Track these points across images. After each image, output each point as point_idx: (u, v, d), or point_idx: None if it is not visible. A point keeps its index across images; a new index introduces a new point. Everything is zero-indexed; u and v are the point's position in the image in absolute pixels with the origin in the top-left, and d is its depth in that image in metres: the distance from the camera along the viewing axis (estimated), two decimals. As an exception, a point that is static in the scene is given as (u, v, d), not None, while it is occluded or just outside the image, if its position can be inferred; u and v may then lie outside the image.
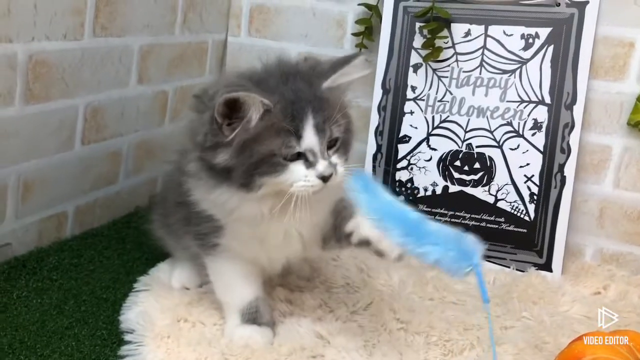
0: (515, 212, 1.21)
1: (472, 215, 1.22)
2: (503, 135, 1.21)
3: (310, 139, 0.78)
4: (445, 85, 1.24)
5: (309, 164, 0.78)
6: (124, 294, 1.01)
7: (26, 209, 1.08)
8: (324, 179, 0.78)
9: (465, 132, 1.23)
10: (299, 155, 0.78)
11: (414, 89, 1.26)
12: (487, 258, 1.20)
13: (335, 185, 0.80)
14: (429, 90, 1.25)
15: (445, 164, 1.24)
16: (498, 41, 1.21)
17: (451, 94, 1.24)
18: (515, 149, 1.21)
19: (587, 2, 1.17)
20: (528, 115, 1.20)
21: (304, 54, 1.42)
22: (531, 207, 1.20)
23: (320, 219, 0.86)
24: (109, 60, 1.17)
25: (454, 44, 1.23)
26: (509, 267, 1.19)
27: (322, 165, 0.78)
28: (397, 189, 1.26)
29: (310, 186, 0.78)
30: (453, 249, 0.72)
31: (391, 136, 1.27)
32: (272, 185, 0.79)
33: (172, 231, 1.01)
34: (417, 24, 1.25)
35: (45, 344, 0.86)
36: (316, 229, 0.88)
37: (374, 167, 1.27)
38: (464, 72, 1.23)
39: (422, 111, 1.25)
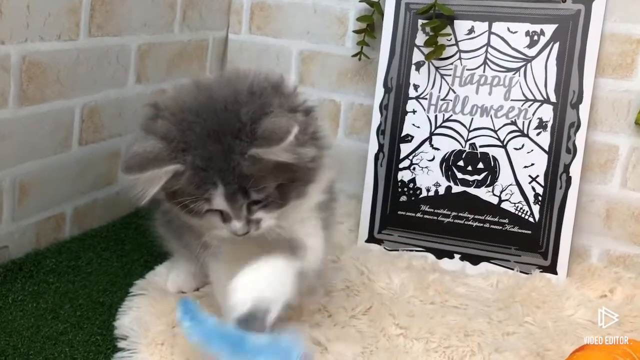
0: (520, 213, 1.18)
1: (476, 216, 1.20)
2: (507, 134, 1.19)
3: (220, 204, 0.75)
4: (448, 83, 1.22)
5: (225, 219, 0.77)
6: (120, 298, 0.99)
7: (23, 211, 1.07)
8: (239, 236, 0.77)
9: (469, 131, 1.21)
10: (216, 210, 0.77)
11: (416, 87, 1.23)
12: (491, 260, 1.19)
13: (267, 229, 0.78)
14: (431, 88, 1.23)
15: (448, 164, 1.22)
16: (502, 38, 1.19)
17: (454, 92, 1.21)
18: (520, 148, 1.18)
19: (594, -2, 1.14)
20: (533, 115, 1.17)
21: (305, 51, 1.40)
22: (536, 208, 1.17)
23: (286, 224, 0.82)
24: (106, 60, 1.15)
25: (457, 42, 1.21)
26: (512, 269, 1.17)
27: (235, 225, 0.77)
28: (400, 190, 1.24)
29: (227, 236, 0.78)
30: (275, 354, 0.73)
31: (393, 135, 1.24)
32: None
33: (173, 229, 1.00)
34: (420, 21, 1.22)
35: (39, 350, 0.85)
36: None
37: (375, 166, 1.25)
38: (467, 70, 1.21)
39: (424, 110, 1.23)
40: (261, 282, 0.78)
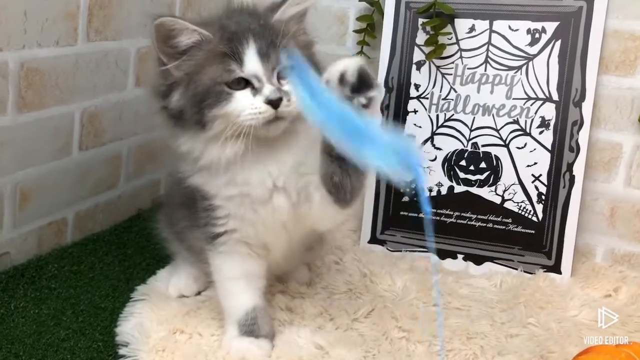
0: (523, 213, 1.17)
1: (479, 216, 1.19)
2: (509, 133, 1.18)
3: (252, 63, 0.77)
4: (449, 82, 1.21)
5: (256, 92, 0.77)
6: (122, 303, 0.99)
7: (24, 217, 1.07)
8: (272, 103, 0.76)
9: (471, 130, 1.20)
10: (246, 85, 0.77)
11: (417, 87, 1.23)
12: (495, 260, 1.18)
13: (294, 119, 0.78)
14: (432, 88, 1.22)
15: (451, 164, 1.21)
16: (503, 36, 1.17)
17: (456, 91, 1.20)
18: (522, 147, 1.17)
19: (596, -5, 1.13)
20: (535, 113, 1.16)
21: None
22: (539, 207, 1.16)
23: (292, 167, 0.81)
24: (105, 65, 1.15)
25: (457, 40, 1.20)
26: (516, 269, 1.16)
27: (267, 89, 0.76)
28: (402, 190, 1.23)
29: (258, 113, 0.76)
30: (393, 156, 0.64)
31: (394, 136, 1.23)
32: (224, 119, 0.77)
33: (177, 231, 1.01)
34: (420, 20, 1.21)
35: (40, 357, 0.86)
36: (295, 181, 0.82)
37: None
38: (468, 69, 1.20)
39: (426, 110, 1.22)
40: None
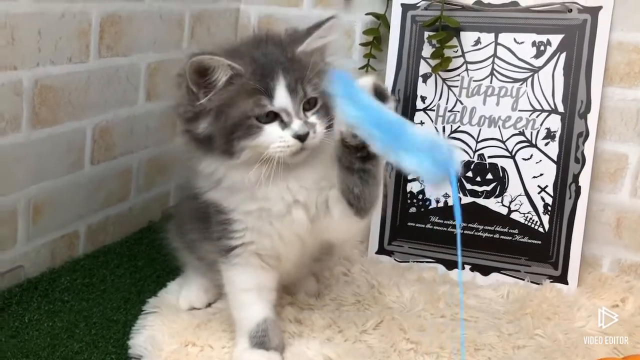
0: (529, 224, 1.18)
1: (485, 227, 1.20)
2: (515, 145, 1.19)
3: (282, 98, 0.79)
4: (455, 95, 1.22)
5: (284, 125, 0.80)
6: (134, 315, 1.01)
7: (37, 230, 1.09)
8: (300, 138, 0.79)
9: (477, 142, 1.21)
10: (275, 118, 0.80)
11: (423, 99, 1.24)
12: (501, 271, 1.19)
13: (317, 147, 0.81)
14: (439, 100, 1.23)
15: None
16: (509, 49, 1.19)
17: (462, 103, 1.22)
18: (528, 159, 1.18)
19: (601, 8, 1.14)
20: (541, 125, 1.17)
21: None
22: (545, 218, 1.17)
23: (313, 183, 0.85)
24: (116, 80, 1.17)
25: (463, 53, 1.21)
26: (523, 280, 1.17)
27: (296, 124, 0.79)
28: (409, 201, 1.24)
29: (286, 146, 0.79)
30: (428, 158, 0.67)
31: (401, 147, 1.25)
32: (252, 149, 0.80)
33: (187, 242, 1.02)
34: (426, 34, 1.23)
35: (55, 370, 0.87)
36: (315, 196, 0.85)
37: (384, 178, 1.25)
38: (474, 81, 1.21)
39: (432, 121, 1.23)
40: None
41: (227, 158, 0.81)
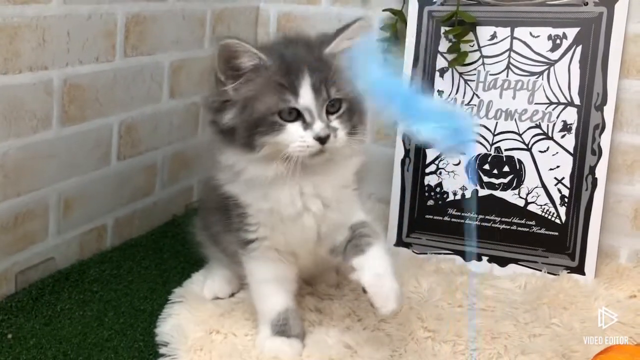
0: (546, 215, 1.20)
1: (503, 219, 1.22)
2: (532, 137, 1.20)
3: (306, 97, 0.81)
4: (472, 88, 1.24)
5: (307, 126, 0.81)
6: (160, 305, 1.04)
7: (67, 224, 1.13)
8: (321, 140, 0.81)
9: (494, 135, 1.23)
10: (297, 117, 0.81)
11: (440, 93, 1.26)
12: (519, 262, 1.20)
13: (338, 152, 0.83)
14: (455, 94, 1.25)
15: (474, 168, 1.24)
16: (525, 43, 1.20)
17: (478, 97, 1.23)
18: (545, 151, 1.20)
19: (617, 0, 1.14)
20: (557, 117, 1.19)
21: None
22: (562, 210, 1.19)
23: (327, 192, 0.87)
24: (141, 78, 1.21)
25: (479, 47, 1.23)
26: (540, 271, 1.18)
27: (318, 126, 0.81)
28: (427, 194, 1.26)
29: (306, 147, 0.81)
30: (445, 127, 0.69)
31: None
32: (272, 146, 0.82)
33: (211, 235, 1.05)
34: (442, 29, 1.24)
35: (87, 356, 0.91)
36: (326, 208, 0.88)
37: (402, 171, 1.28)
38: (490, 75, 1.22)
39: (449, 115, 1.25)
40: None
41: (247, 151, 0.83)
